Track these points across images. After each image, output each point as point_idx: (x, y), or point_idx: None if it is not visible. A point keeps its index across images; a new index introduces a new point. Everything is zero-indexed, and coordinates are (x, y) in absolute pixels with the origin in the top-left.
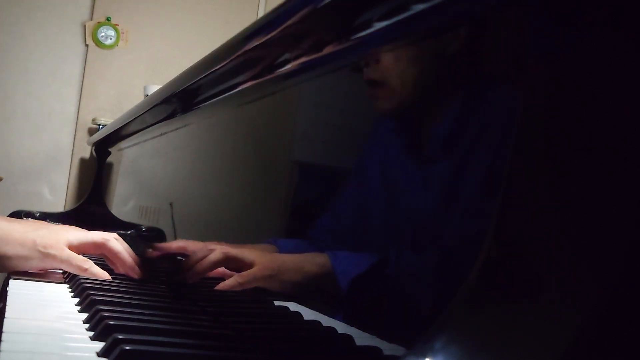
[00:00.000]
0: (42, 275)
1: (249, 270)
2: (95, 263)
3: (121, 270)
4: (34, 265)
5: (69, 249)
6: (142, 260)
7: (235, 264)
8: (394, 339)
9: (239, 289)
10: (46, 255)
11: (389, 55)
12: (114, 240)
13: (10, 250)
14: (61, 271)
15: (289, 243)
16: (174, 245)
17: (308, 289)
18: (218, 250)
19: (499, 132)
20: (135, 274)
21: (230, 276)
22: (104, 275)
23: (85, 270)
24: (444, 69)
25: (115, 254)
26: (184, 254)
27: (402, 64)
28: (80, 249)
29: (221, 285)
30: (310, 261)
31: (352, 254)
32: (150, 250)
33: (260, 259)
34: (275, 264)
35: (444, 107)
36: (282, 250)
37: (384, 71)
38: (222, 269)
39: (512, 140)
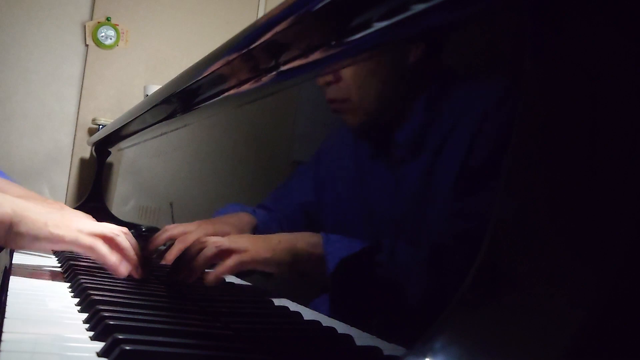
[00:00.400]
0: (42, 275)
1: (246, 253)
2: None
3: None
4: (43, 247)
5: None
6: (145, 259)
7: (230, 255)
8: (393, 339)
9: (237, 270)
10: (54, 237)
11: (348, 73)
12: (122, 236)
13: (22, 228)
14: (61, 270)
15: (261, 213)
16: (163, 236)
17: (300, 269)
18: (211, 244)
19: (466, 132)
20: (136, 273)
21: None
22: (111, 257)
23: (93, 249)
24: (404, 78)
25: (121, 250)
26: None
27: (362, 79)
28: None
29: (219, 270)
30: (304, 240)
31: (345, 239)
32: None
33: (255, 244)
34: (269, 247)
35: (408, 112)
36: (259, 219)
37: (345, 89)
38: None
39: (515, 137)
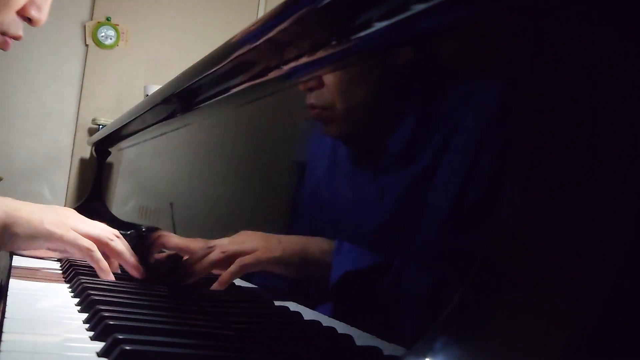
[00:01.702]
0: (42, 275)
1: (251, 254)
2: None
3: (117, 268)
4: (40, 245)
5: None
6: (143, 259)
7: (237, 257)
8: (393, 339)
9: (241, 274)
10: (52, 235)
11: (332, 80)
12: (117, 240)
13: (17, 229)
14: (61, 271)
15: None
16: (173, 242)
17: (308, 274)
18: (217, 249)
19: (464, 135)
20: (139, 273)
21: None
22: (104, 263)
23: (91, 253)
24: (389, 84)
25: (118, 254)
26: (183, 252)
27: (346, 86)
28: None
29: (224, 277)
30: (316, 245)
31: (356, 249)
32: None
33: (263, 243)
34: (279, 248)
35: (395, 119)
36: None
37: (329, 96)
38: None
39: (514, 140)
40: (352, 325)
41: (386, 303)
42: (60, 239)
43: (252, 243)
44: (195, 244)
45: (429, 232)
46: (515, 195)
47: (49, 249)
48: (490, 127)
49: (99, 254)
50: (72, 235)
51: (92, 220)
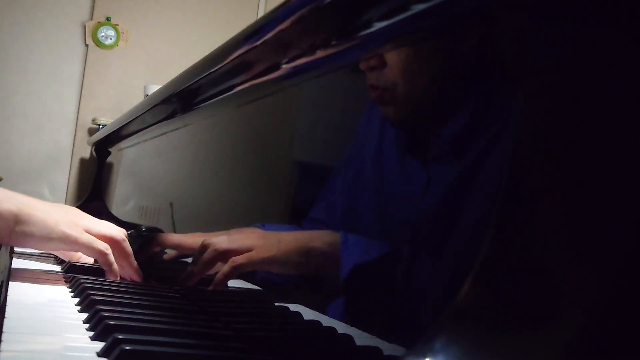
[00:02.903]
0: (42, 275)
1: (244, 255)
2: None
3: (125, 272)
4: (54, 247)
5: None
6: (144, 260)
7: (233, 256)
8: (394, 339)
9: (235, 274)
10: (67, 237)
11: (395, 60)
12: (127, 240)
13: (33, 229)
14: (61, 272)
15: (277, 228)
16: (170, 241)
17: (312, 270)
18: (210, 248)
19: (509, 134)
20: (139, 277)
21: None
22: (116, 266)
23: (106, 255)
24: (454, 71)
25: (127, 256)
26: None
27: (410, 67)
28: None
29: (217, 278)
30: (320, 239)
31: (363, 239)
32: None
33: (258, 241)
34: (276, 247)
35: (452, 108)
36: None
37: (391, 77)
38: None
39: (517, 141)
40: (360, 323)
41: (386, 303)
42: (75, 242)
43: (247, 241)
44: (192, 240)
45: (440, 230)
46: (515, 196)
47: (63, 249)
48: (506, 127)
49: (112, 258)
50: (86, 237)
51: (100, 220)
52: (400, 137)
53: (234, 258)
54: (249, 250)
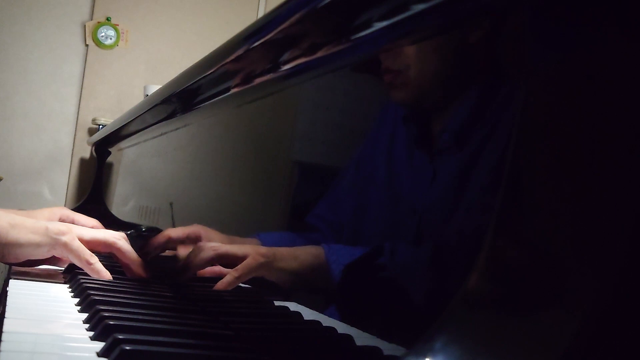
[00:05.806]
0: (42, 276)
1: (243, 262)
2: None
3: (130, 269)
4: (45, 253)
5: None
6: (145, 260)
7: (228, 260)
8: (393, 339)
9: (236, 283)
10: (57, 242)
11: (411, 44)
12: (123, 240)
13: (22, 237)
14: (61, 271)
15: (273, 236)
16: (161, 239)
17: (303, 278)
18: (209, 248)
19: (512, 127)
20: (144, 272)
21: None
22: (106, 274)
23: (92, 265)
24: (463, 61)
25: (124, 253)
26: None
27: (424, 53)
28: (90, 244)
29: (219, 285)
30: (305, 251)
31: (347, 247)
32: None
33: (253, 249)
34: (269, 252)
35: (459, 99)
36: (265, 244)
37: (405, 60)
38: (219, 268)
39: (518, 136)
40: (358, 324)
41: (386, 303)
42: (64, 247)
43: (243, 245)
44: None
45: (441, 227)
46: (515, 195)
47: (53, 256)
48: (509, 121)
49: (98, 266)
50: (76, 244)
51: (90, 229)
52: (409, 134)
53: (234, 270)
54: (245, 253)
